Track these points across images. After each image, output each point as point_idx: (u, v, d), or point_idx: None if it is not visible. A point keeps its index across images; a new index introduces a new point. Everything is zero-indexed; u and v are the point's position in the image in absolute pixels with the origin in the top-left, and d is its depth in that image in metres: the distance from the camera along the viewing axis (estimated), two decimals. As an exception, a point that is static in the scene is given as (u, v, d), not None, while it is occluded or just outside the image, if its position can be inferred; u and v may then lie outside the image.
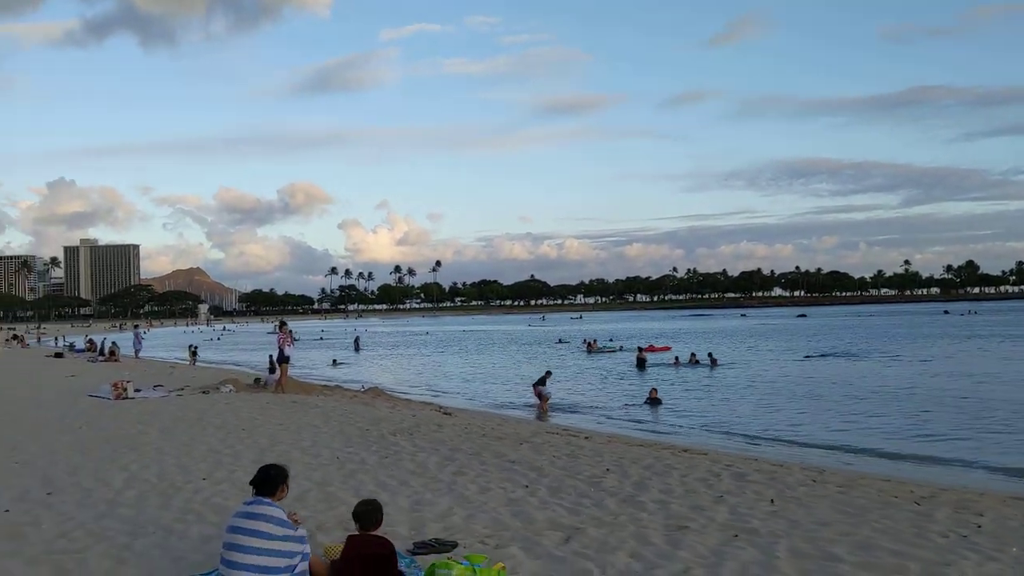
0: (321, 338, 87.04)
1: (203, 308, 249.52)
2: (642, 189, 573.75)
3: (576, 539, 7.11)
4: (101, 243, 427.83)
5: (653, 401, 24.62)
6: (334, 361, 46.98)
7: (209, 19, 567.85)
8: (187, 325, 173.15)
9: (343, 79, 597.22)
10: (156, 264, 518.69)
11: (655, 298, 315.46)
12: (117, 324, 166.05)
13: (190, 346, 48.31)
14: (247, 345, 76.44)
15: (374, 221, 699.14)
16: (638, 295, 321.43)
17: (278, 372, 22.23)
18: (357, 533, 5.95)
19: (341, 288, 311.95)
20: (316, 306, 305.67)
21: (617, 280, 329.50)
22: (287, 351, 21.36)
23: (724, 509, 8.22)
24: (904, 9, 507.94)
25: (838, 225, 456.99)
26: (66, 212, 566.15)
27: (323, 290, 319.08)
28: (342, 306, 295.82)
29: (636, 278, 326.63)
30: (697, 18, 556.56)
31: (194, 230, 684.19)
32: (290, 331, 21.71)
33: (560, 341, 66.74)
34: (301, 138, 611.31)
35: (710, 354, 40.25)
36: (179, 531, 7.76)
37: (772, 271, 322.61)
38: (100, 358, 40.57)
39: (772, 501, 8.64)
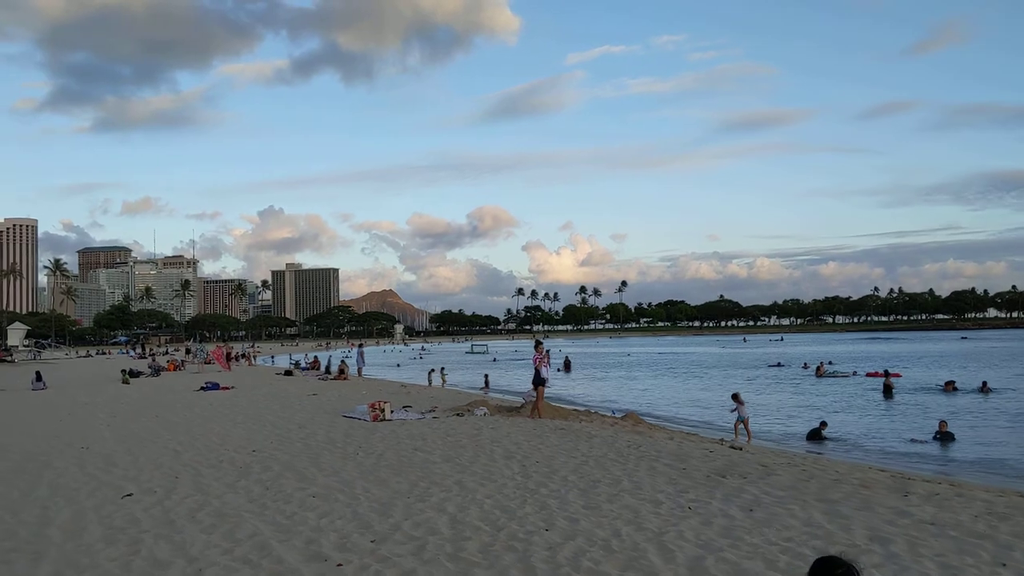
0: (518, 359, 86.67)
1: (398, 328, 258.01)
2: (835, 205, 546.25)
3: None
4: (304, 267, 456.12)
5: (944, 436, 21.26)
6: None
7: (405, 53, 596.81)
8: (378, 344, 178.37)
9: (530, 103, 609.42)
10: (354, 287, 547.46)
11: (856, 319, 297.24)
12: (323, 343, 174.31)
13: (442, 368, 47.78)
14: (449, 364, 76.72)
15: (557, 242, 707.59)
16: (837, 316, 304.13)
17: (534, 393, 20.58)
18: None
19: (527, 309, 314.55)
20: (502, 327, 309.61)
21: (814, 300, 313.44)
22: (543, 372, 19.64)
23: None
24: None
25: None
26: (275, 239, 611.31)
27: (509, 311, 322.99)
28: (527, 327, 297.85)
29: (835, 298, 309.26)
30: (894, 27, 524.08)
31: (388, 254, 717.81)
32: (547, 351, 19.99)
33: (778, 364, 62.43)
34: (489, 163, 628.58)
35: (984, 383, 35.75)
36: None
37: (985, 290, 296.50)
38: (328, 376, 40.96)
39: None
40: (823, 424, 22.99)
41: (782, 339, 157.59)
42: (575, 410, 21.66)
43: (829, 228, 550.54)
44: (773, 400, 34.93)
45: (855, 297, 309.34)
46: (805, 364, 59.65)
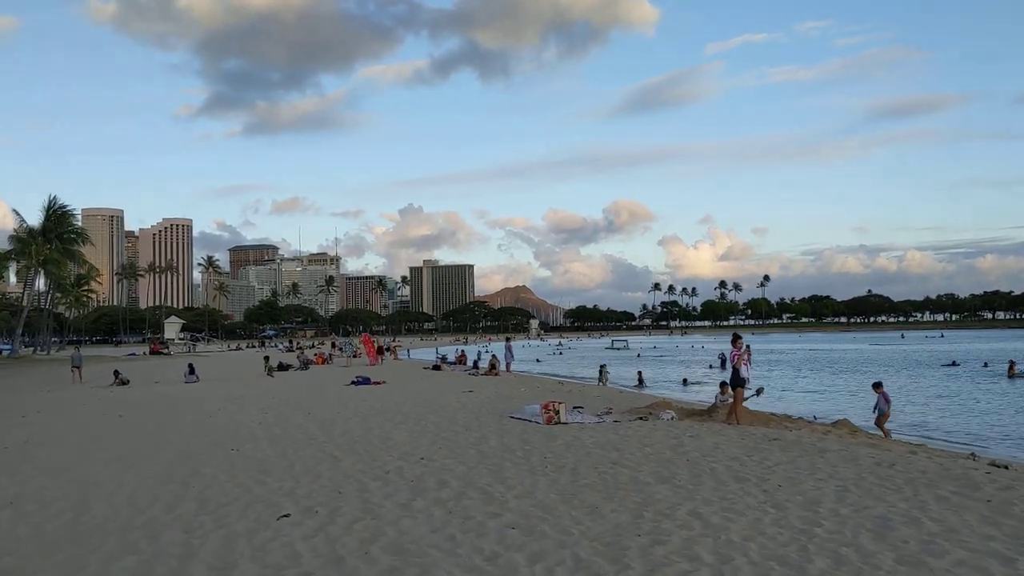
0: (661, 356, 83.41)
1: (534, 324, 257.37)
2: (991, 195, 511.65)
3: None
4: (441, 264, 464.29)
5: None
6: (684, 380, 42.38)
7: (542, 49, 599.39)
8: (509, 340, 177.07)
9: (666, 96, 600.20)
10: (489, 283, 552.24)
11: (1018, 316, 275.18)
12: (462, 338, 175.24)
13: (603, 366, 45.24)
14: (593, 361, 74.27)
15: (695, 236, 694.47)
16: (997, 312, 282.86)
17: (728, 396, 17.86)
18: None
19: (663, 304, 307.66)
20: (637, 322, 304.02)
21: (972, 295, 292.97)
22: (743, 372, 16.84)
23: None
24: None
25: None
26: (414, 236, 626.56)
27: (644, 306, 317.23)
28: (663, 322, 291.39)
29: (996, 293, 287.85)
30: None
31: (523, 250, 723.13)
32: (747, 346, 17.17)
33: (953, 363, 56.79)
34: (625, 157, 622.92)
35: None
36: None
37: None
38: (477, 371, 39.22)
39: None
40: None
41: (942, 336, 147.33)
42: (773, 415, 18.72)
43: (985, 219, 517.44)
44: (970, 404, 30.74)
45: (1017, 292, 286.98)
46: (985, 363, 54.01)
